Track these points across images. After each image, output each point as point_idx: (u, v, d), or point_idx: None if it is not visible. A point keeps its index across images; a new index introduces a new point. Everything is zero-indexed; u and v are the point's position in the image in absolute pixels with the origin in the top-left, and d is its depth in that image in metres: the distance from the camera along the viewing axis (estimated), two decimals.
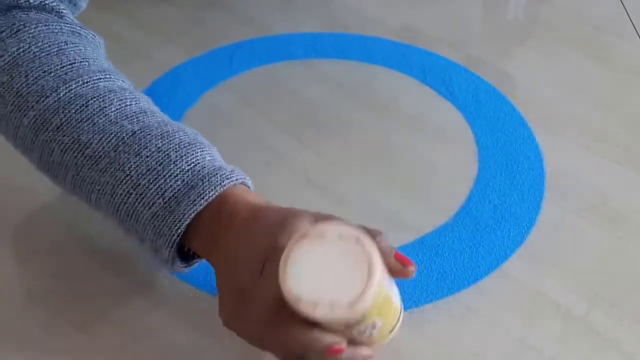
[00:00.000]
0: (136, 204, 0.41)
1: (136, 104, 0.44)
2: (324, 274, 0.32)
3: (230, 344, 0.42)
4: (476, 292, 0.48)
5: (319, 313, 0.32)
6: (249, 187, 0.44)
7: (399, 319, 0.40)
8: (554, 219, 0.53)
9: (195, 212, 0.40)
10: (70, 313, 0.46)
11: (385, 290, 0.35)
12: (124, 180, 0.41)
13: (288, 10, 0.76)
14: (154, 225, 0.41)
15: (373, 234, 0.38)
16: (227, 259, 0.39)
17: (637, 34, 0.73)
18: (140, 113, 0.44)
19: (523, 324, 0.45)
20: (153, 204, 0.40)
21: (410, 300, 0.47)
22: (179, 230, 0.40)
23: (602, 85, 0.66)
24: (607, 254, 0.50)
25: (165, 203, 0.40)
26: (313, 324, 0.35)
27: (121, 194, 0.41)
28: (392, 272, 0.38)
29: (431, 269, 0.49)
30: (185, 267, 0.44)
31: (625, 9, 0.77)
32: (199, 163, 0.42)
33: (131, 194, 0.41)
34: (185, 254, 0.43)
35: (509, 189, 0.55)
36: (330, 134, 0.60)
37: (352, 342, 0.37)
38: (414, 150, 0.59)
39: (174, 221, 0.40)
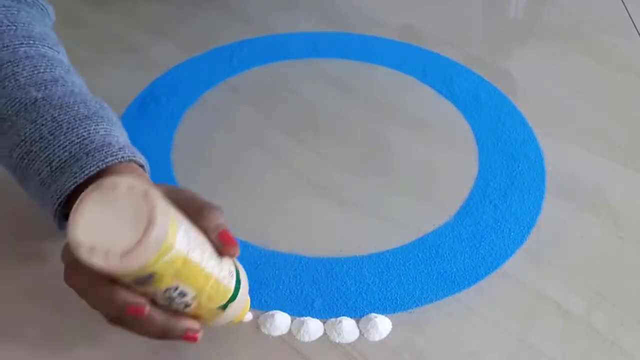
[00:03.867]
0: (28, 169, 0.42)
1: (50, 72, 0.45)
2: (108, 224, 0.32)
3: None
4: (476, 292, 0.47)
5: (93, 260, 0.32)
6: (143, 167, 0.45)
7: (230, 299, 0.40)
8: (554, 219, 0.53)
9: (75, 184, 0.41)
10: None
11: (183, 254, 0.35)
12: (19, 145, 0.42)
13: (288, 10, 0.76)
14: (41, 193, 0.42)
15: (209, 209, 0.39)
16: None
17: (638, 33, 0.73)
18: (51, 81, 0.45)
19: (523, 324, 0.45)
20: (41, 171, 0.42)
21: (410, 300, 0.47)
22: (59, 200, 0.41)
23: (602, 85, 0.66)
24: (607, 254, 0.50)
25: (52, 172, 0.42)
26: (115, 282, 0.35)
27: (16, 158, 0.43)
28: (218, 249, 0.39)
29: (431, 269, 0.49)
30: None
31: (626, 8, 0.77)
32: (88, 137, 0.43)
33: (24, 159, 0.42)
34: None
35: (509, 189, 0.55)
36: (330, 134, 0.60)
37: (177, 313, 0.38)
38: (414, 150, 0.59)
39: (56, 191, 0.41)
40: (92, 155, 0.42)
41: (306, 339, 0.44)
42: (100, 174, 0.41)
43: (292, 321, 0.45)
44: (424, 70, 0.68)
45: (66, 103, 0.44)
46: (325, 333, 0.45)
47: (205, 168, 0.56)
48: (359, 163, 0.57)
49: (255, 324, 0.45)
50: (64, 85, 0.45)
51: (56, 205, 0.41)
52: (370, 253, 0.50)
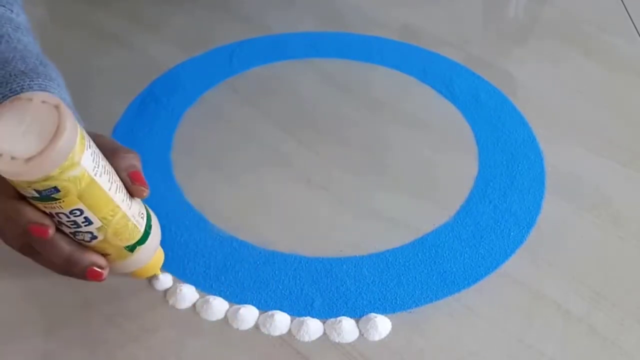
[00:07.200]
0: None
1: None
2: (18, 134, 0.33)
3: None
4: (476, 292, 0.47)
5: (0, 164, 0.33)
6: None
7: (139, 242, 0.41)
8: (554, 219, 0.53)
9: None
10: None
11: (90, 174, 0.35)
12: None
13: (288, 10, 0.76)
14: None
15: (125, 151, 0.40)
16: None
17: (638, 33, 0.73)
18: None
19: (523, 324, 0.45)
20: None
21: (410, 300, 0.47)
22: None
23: (602, 85, 0.66)
24: (607, 254, 0.50)
25: None
26: (23, 198, 0.36)
27: None
28: (127, 189, 0.40)
29: (431, 269, 0.49)
30: None
31: (625, 8, 0.77)
32: (21, 92, 0.43)
33: None
34: None
35: (509, 189, 0.55)
36: (330, 134, 0.60)
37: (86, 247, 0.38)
38: (414, 150, 0.59)
39: None
40: None
41: (306, 339, 0.44)
42: None
43: (291, 321, 0.45)
44: (424, 70, 0.68)
45: (5, 58, 0.45)
46: (325, 333, 0.45)
47: (205, 168, 0.56)
48: (359, 163, 0.57)
49: (255, 324, 0.45)
50: (8, 42, 0.46)
51: None
52: (370, 253, 0.50)
